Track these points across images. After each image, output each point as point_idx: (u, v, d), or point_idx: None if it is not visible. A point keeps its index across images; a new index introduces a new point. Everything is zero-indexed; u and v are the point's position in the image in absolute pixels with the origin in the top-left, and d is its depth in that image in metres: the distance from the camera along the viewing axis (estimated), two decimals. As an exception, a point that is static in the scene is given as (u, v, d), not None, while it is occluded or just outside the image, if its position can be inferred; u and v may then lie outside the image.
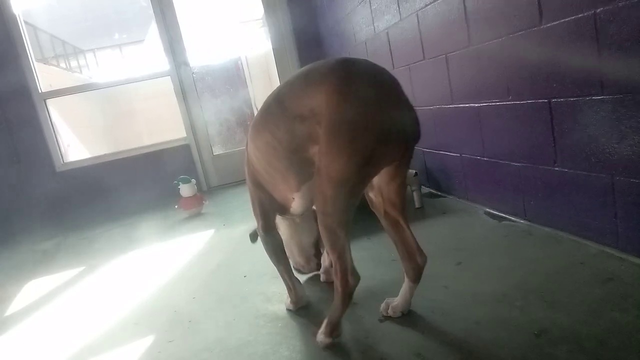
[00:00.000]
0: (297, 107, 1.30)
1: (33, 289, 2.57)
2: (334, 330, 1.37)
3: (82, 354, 1.68)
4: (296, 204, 1.52)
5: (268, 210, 1.61)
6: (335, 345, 1.37)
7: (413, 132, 1.30)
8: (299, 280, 1.69)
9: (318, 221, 1.31)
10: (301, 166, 1.36)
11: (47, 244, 3.66)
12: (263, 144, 1.44)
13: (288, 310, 1.67)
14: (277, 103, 1.39)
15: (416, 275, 1.45)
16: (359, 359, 1.30)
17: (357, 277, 1.32)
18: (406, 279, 1.47)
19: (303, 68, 1.38)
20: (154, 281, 2.28)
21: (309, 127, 1.27)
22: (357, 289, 1.32)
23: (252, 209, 1.66)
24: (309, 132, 1.28)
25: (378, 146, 1.20)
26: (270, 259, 1.67)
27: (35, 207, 4.07)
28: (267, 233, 1.64)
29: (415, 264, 1.44)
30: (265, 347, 1.47)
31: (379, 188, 1.42)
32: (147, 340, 1.66)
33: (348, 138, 1.19)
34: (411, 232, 1.44)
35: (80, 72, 6.71)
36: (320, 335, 1.39)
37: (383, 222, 1.46)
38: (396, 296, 1.50)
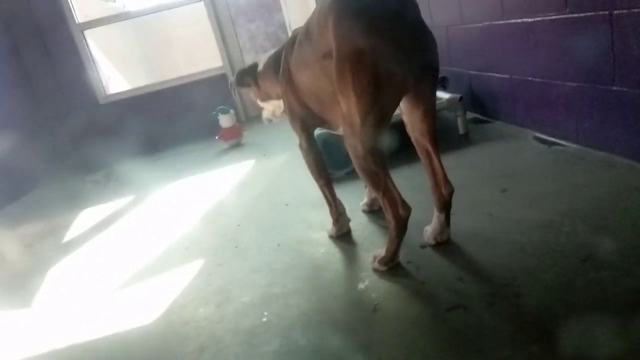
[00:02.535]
0: (321, 46, 1.29)
1: (88, 217, 2.73)
2: (391, 261, 1.40)
3: (140, 275, 1.80)
4: None
5: (310, 126, 1.63)
6: (366, 257, 1.42)
7: (426, 62, 1.24)
8: (340, 201, 1.70)
9: (354, 163, 1.31)
10: None
11: (96, 174, 3.83)
12: (307, 76, 1.43)
13: (330, 237, 1.70)
14: (308, 41, 1.37)
15: (442, 205, 1.44)
16: (400, 283, 1.33)
17: (408, 209, 1.32)
18: (434, 208, 1.46)
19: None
20: (200, 209, 2.36)
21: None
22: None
23: (292, 126, 1.66)
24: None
25: (383, 80, 1.17)
26: (312, 174, 1.69)
27: (82, 139, 4.21)
28: (309, 147, 1.65)
29: (440, 194, 1.42)
30: (309, 271, 1.52)
31: (407, 114, 1.39)
32: (198, 264, 1.76)
33: (350, 75, 1.18)
34: (440, 162, 1.41)
35: (114, 0, 6.62)
36: (376, 264, 1.42)
37: (417, 148, 1.45)
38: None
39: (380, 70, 1.17)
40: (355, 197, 1.94)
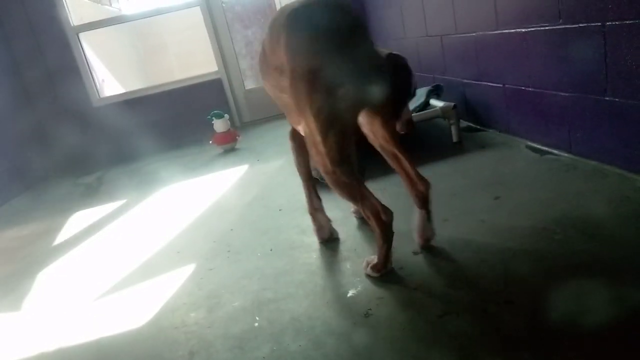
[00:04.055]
0: (273, 60, 1.32)
1: (79, 220, 2.70)
2: (383, 267, 1.40)
3: (130, 279, 1.78)
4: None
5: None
6: (358, 264, 1.43)
7: (376, 84, 1.24)
8: (319, 199, 1.70)
9: (326, 180, 1.33)
10: None
11: (89, 177, 3.80)
12: (270, 85, 1.47)
13: (321, 242, 1.69)
14: (264, 53, 1.42)
15: (421, 202, 1.46)
16: (392, 289, 1.33)
17: (389, 213, 1.33)
18: (415, 207, 1.48)
19: (277, 13, 1.36)
20: (193, 213, 2.35)
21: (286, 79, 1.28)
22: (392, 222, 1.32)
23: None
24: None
25: (338, 98, 1.19)
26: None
27: (75, 142, 4.18)
28: (293, 138, 1.65)
29: (417, 191, 1.45)
30: (301, 276, 1.51)
31: (367, 125, 1.43)
32: (189, 268, 1.74)
33: (305, 95, 1.21)
34: (409, 161, 1.44)
35: (110, 4, 6.62)
36: (369, 270, 1.41)
37: (384, 155, 1.48)
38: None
39: (334, 88, 1.18)
40: (348, 203, 1.94)
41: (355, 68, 1.21)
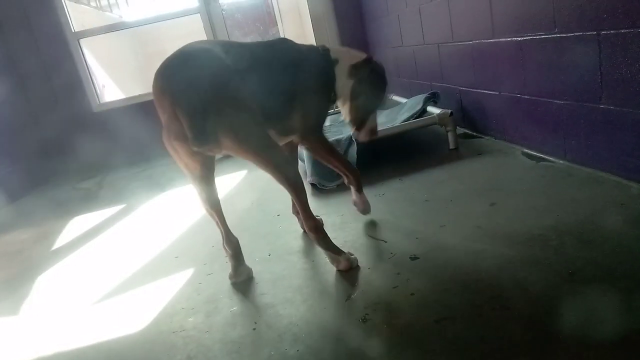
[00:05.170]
0: None
1: (77, 225, 2.71)
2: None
3: (128, 283, 1.79)
4: None
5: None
6: (356, 269, 1.44)
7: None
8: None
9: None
10: None
11: (88, 182, 3.81)
12: None
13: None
14: None
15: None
16: (389, 294, 1.34)
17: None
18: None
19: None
20: (191, 218, 2.36)
21: None
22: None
23: None
24: None
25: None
26: None
27: (75, 147, 4.19)
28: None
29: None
30: (299, 281, 1.52)
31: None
32: (188, 273, 1.75)
33: None
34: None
35: (111, 11, 6.65)
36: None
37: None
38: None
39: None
40: (347, 208, 1.95)
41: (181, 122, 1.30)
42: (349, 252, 1.53)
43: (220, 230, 1.59)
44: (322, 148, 1.72)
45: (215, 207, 1.57)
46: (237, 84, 1.35)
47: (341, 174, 1.83)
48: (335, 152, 1.78)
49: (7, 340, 1.57)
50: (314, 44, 1.81)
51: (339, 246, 1.53)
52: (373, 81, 1.69)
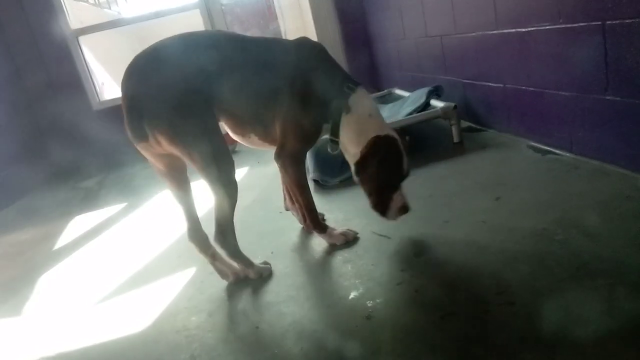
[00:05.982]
0: None
1: (79, 224, 2.70)
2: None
3: (131, 283, 1.78)
4: None
5: None
6: (355, 266, 1.41)
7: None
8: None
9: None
10: None
11: (89, 181, 3.80)
12: None
13: (331, 245, 1.68)
14: None
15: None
16: (394, 291, 1.32)
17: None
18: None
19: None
20: (193, 216, 2.34)
21: None
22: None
23: None
24: None
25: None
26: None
27: (75, 146, 4.19)
28: None
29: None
30: (302, 279, 1.51)
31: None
32: (190, 272, 1.74)
33: None
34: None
35: (109, 7, 6.63)
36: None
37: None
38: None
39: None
40: (350, 205, 1.93)
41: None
42: (264, 262, 1.60)
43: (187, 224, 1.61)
44: (292, 177, 1.61)
45: (185, 205, 1.65)
46: (189, 86, 1.38)
47: (300, 214, 1.78)
48: (304, 191, 1.64)
49: (10, 341, 1.56)
50: (345, 70, 1.69)
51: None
52: (387, 162, 1.53)
